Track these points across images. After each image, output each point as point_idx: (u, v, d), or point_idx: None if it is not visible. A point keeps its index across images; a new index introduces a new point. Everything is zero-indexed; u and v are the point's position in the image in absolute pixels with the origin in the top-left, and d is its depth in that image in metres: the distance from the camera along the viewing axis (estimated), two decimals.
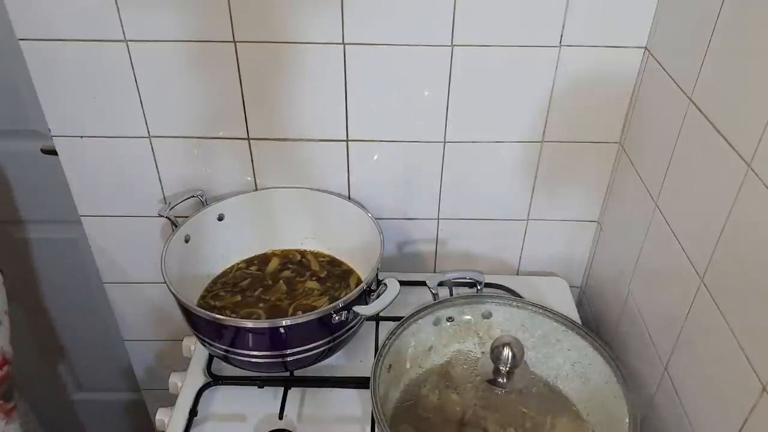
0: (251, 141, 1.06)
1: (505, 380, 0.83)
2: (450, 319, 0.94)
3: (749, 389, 0.65)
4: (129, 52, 0.96)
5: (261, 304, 1.01)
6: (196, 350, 1.04)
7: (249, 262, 1.11)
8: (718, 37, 0.74)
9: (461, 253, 1.19)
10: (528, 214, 1.14)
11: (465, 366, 0.91)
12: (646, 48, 0.95)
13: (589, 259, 1.20)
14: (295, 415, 0.94)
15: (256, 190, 1.11)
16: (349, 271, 1.08)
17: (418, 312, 0.92)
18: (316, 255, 1.12)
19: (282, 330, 0.87)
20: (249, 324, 0.89)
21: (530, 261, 1.20)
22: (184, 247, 1.01)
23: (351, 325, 0.92)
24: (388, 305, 0.88)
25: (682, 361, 0.82)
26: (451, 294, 1.00)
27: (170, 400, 0.97)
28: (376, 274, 0.95)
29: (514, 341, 0.83)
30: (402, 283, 0.90)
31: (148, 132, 1.05)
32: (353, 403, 0.95)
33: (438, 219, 1.15)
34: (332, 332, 0.90)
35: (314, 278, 1.07)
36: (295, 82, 0.99)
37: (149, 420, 0.96)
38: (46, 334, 1.59)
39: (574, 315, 1.10)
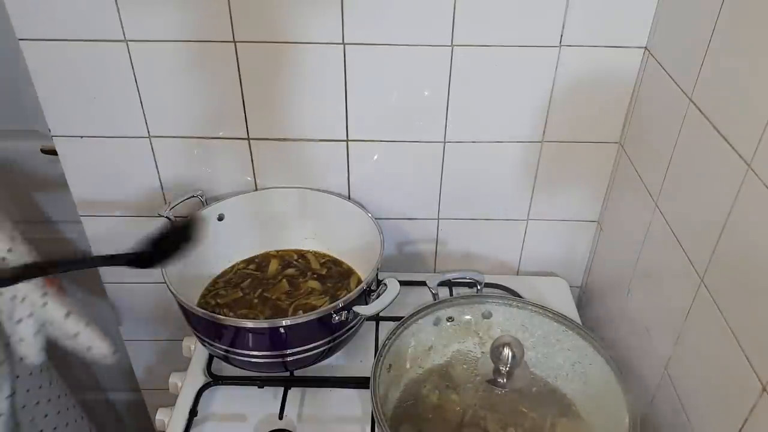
0: (251, 141, 1.06)
1: (505, 380, 0.83)
2: (450, 319, 0.94)
3: (749, 389, 0.65)
4: (129, 52, 0.96)
5: (261, 304, 1.01)
6: (196, 350, 1.04)
7: (249, 261, 1.11)
8: (718, 37, 0.74)
9: (461, 253, 1.19)
10: (528, 214, 1.14)
11: (465, 366, 0.91)
12: (646, 48, 0.95)
13: (589, 259, 1.20)
14: (295, 415, 0.94)
15: (256, 190, 1.11)
16: (349, 271, 1.08)
17: (418, 312, 0.92)
18: (316, 255, 1.12)
19: (282, 330, 0.87)
20: (249, 324, 0.89)
21: (530, 261, 1.20)
22: None
23: (351, 325, 0.92)
24: (388, 305, 0.88)
25: (682, 361, 0.82)
26: (451, 294, 1.00)
27: (170, 400, 0.97)
28: (376, 274, 0.95)
29: (514, 341, 0.83)
30: (402, 283, 0.90)
31: (148, 132, 1.05)
32: (353, 403, 0.95)
33: (438, 219, 1.15)
34: (332, 332, 0.90)
35: (314, 278, 1.07)
36: (295, 82, 0.99)
37: (149, 420, 0.96)
38: None
39: (574, 315, 1.10)
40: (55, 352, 0.95)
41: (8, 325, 0.91)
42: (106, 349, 0.93)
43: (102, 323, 1.01)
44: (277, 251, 1.12)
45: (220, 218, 1.07)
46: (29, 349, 0.92)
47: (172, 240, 0.85)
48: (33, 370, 1.02)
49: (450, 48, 0.95)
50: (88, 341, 0.91)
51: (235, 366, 0.95)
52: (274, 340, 0.89)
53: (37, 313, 0.91)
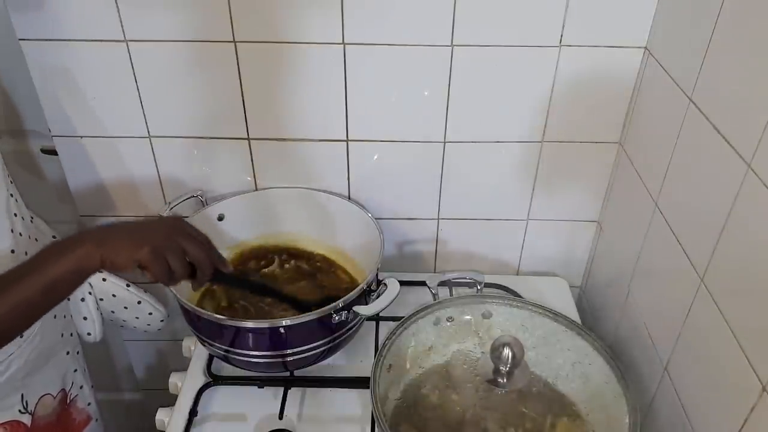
0: (251, 141, 1.06)
1: (505, 380, 0.83)
2: (450, 319, 0.94)
3: (749, 389, 0.65)
4: (129, 52, 0.96)
5: (261, 304, 1.01)
6: (196, 350, 1.04)
7: (247, 262, 1.10)
8: (718, 36, 0.74)
9: (461, 253, 1.19)
10: (528, 214, 1.14)
11: (465, 366, 0.91)
12: (646, 48, 0.95)
13: (589, 259, 1.20)
14: (295, 415, 0.94)
15: (256, 190, 1.11)
16: (349, 271, 1.08)
17: (418, 312, 0.92)
18: (316, 255, 1.12)
19: (282, 330, 0.87)
20: (249, 324, 0.89)
21: (530, 261, 1.20)
22: None
23: (351, 325, 0.92)
24: (388, 305, 0.88)
25: (682, 361, 0.82)
26: (451, 294, 0.99)
27: (170, 400, 0.97)
28: (376, 274, 0.95)
29: (514, 341, 0.82)
30: (402, 283, 0.90)
31: (148, 132, 1.05)
32: (353, 403, 0.95)
33: (438, 219, 1.14)
34: (332, 332, 0.90)
35: (314, 278, 1.07)
36: (295, 82, 0.99)
37: (149, 420, 0.96)
38: None
39: (574, 315, 1.10)
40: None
41: (72, 304, 1.00)
42: (163, 313, 1.09)
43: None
44: (277, 252, 1.12)
45: (220, 218, 1.07)
46: (94, 325, 1.04)
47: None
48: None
49: (450, 48, 0.95)
50: (150, 307, 1.06)
51: (235, 366, 0.95)
52: (274, 340, 0.89)
53: (98, 288, 1.01)
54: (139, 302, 1.06)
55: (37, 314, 0.71)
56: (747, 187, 0.67)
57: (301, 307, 0.93)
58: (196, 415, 0.93)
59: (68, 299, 0.99)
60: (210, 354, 1.01)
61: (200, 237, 0.77)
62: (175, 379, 1.01)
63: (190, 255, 0.74)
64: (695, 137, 0.80)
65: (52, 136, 1.06)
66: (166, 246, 0.72)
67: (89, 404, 1.06)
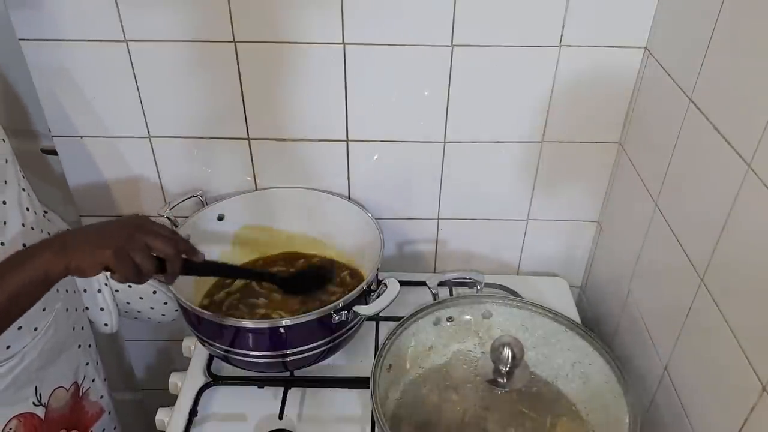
0: (251, 141, 1.06)
1: (505, 380, 0.83)
2: (450, 319, 0.94)
3: (749, 389, 0.65)
4: (129, 52, 0.96)
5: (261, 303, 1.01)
6: (196, 350, 1.04)
7: (249, 262, 1.10)
8: (718, 37, 0.75)
9: (461, 253, 1.19)
10: (528, 214, 1.14)
11: (465, 366, 0.91)
12: (646, 48, 0.95)
13: (589, 259, 1.20)
14: (295, 415, 0.94)
15: (256, 190, 1.11)
16: (349, 271, 1.08)
17: (418, 312, 0.92)
18: (316, 255, 1.12)
19: (282, 330, 0.87)
20: (249, 324, 0.89)
21: (530, 261, 1.20)
22: None
23: (351, 325, 0.92)
24: (388, 305, 0.89)
25: (682, 361, 0.82)
26: (451, 294, 0.99)
27: (170, 400, 0.97)
28: (376, 274, 0.95)
29: (514, 341, 0.82)
30: (402, 283, 0.91)
31: (148, 132, 1.05)
32: (353, 403, 0.95)
33: (438, 219, 1.14)
34: (332, 332, 0.90)
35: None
36: (295, 82, 0.99)
37: (149, 420, 0.96)
38: None
39: (574, 315, 1.10)
40: None
41: (89, 296, 1.00)
42: (176, 304, 1.05)
43: None
44: (277, 251, 1.12)
45: (220, 218, 1.07)
46: (111, 316, 1.04)
47: (313, 278, 1.02)
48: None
49: (450, 48, 0.95)
50: (164, 296, 1.07)
51: (235, 366, 0.95)
52: (274, 340, 0.89)
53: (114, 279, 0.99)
54: (154, 292, 1.06)
55: (3, 325, 0.70)
56: (747, 187, 0.67)
57: (280, 282, 0.99)
58: (196, 415, 0.93)
59: (84, 290, 0.99)
60: (210, 354, 1.01)
61: (164, 231, 0.76)
62: (175, 379, 1.01)
63: (155, 250, 0.73)
64: (695, 137, 0.80)
65: (52, 136, 1.06)
66: (129, 245, 0.71)
67: (102, 397, 1.06)
